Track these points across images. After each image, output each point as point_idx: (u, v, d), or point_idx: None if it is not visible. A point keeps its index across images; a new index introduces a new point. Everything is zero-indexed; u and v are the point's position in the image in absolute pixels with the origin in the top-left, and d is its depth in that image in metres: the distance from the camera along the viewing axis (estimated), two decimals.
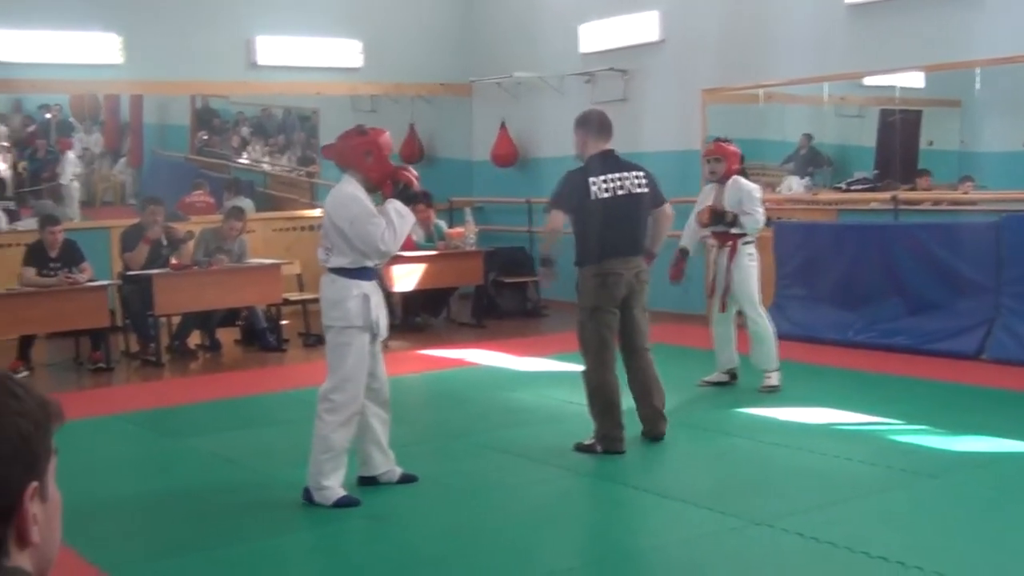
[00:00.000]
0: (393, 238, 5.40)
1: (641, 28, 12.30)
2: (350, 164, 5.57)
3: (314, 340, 10.91)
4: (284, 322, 11.15)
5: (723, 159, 7.98)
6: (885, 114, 11.02)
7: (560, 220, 6.37)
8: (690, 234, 8.15)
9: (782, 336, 9.95)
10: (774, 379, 7.83)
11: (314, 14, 13.40)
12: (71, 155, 12.45)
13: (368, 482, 5.78)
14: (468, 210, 12.49)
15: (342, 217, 5.41)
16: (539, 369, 9.37)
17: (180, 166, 13.19)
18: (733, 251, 7.87)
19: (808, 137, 11.51)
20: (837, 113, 11.52)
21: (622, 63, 12.57)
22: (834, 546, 4.63)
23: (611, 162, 6.45)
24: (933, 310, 9.21)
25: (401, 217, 5.46)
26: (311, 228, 13.53)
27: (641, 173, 6.49)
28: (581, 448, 6.36)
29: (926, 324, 9.18)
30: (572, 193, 6.37)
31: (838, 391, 7.84)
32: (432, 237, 11.95)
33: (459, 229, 12.04)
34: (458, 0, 14.61)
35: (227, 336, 11.05)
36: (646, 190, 6.46)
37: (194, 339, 10.82)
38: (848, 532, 4.81)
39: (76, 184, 12.52)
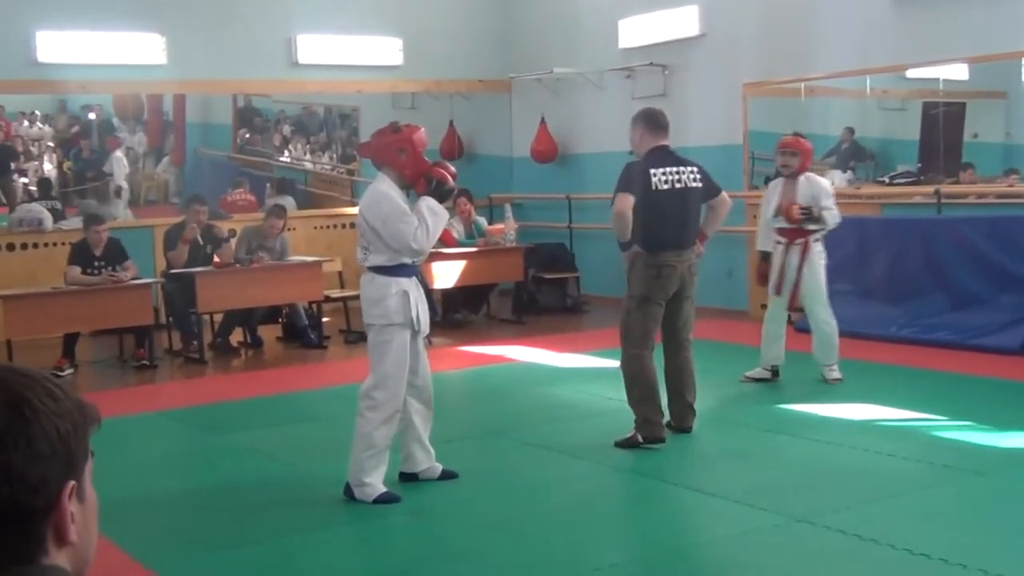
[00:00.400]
0: (425, 236, 5.40)
1: (681, 22, 12.25)
2: (384, 162, 5.61)
3: (355, 337, 10.95)
4: (325, 319, 11.21)
5: (799, 154, 7.94)
6: (928, 107, 10.91)
7: (628, 203, 6.27)
8: (765, 234, 8.12)
9: None
10: (837, 371, 7.89)
11: (354, 12, 13.47)
12: (119, 154, 12.59)
13: (409, 479, 5.81)
14: (508, 206, 12.51)
15: (375, 216, 5.45)
16: (579, 365, 9.36)
17: (223, 165, 13.29)
18: (806, 249, 7.86)
19: (850, 131, 11.41)
20: (880, 106, 11.43)
21: (662, 58, 12.52)
22: (876, 543, 4.60)
23: (667, 156, 6.52)
24: (977, 305, 9.11)
25: (434, 215, 5.46)
26: (352, 226, 13.57)
27: (695, 168, 6.56)
28: (622, 444, 6.36)
29: (970, 319, 9.08)
30: (636, 181, 6.37)
31: (881, 387, 7.77)
32: (472, 234, 11.98)
33: (499, 225, 12.06)
34: None
35: (269, 333, 11.12)
36: (700, 185, 6.52)
37: (236, 336, 10.90)
38: (890, 529, 4.77)
39: (125, 184, 12.65)
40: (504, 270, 11.97)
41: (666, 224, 6.40)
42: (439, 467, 5.87)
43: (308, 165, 13.92)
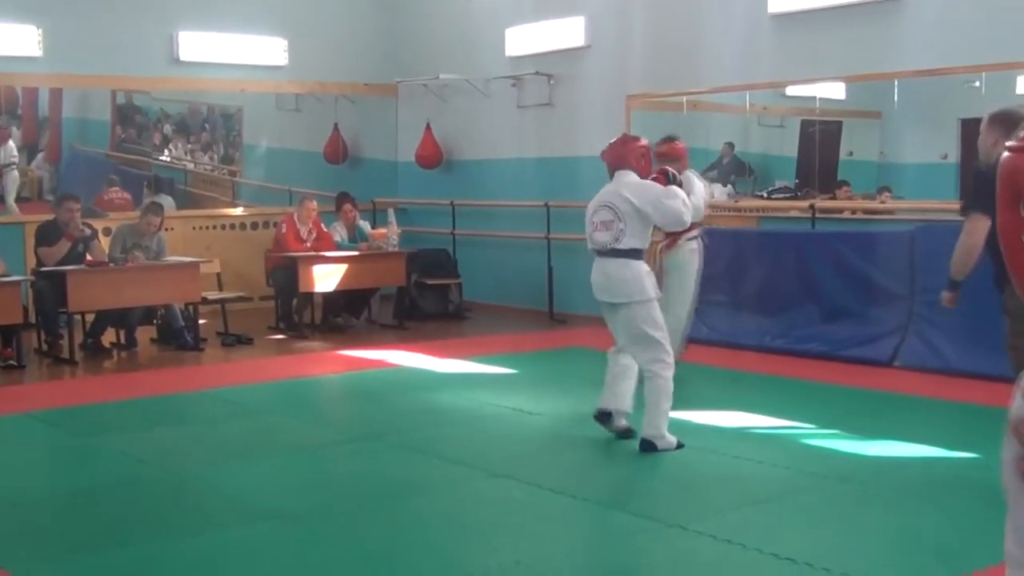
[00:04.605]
0: (689, 211, 6.45)
1: (567, 33, 12.34)
2: (627, 163, 6.53)
3: (232, 340, 10.81)
4: (202, 321, 11.01)
5: None
6: (806, 124, 11.17)
7: (982, 230, 5.27)
8: None
9: (702, 342, 10.07)
10: None
11: (238, 10, 13.26)
12: (11, 144, 12.25)
13: (604, 418, 6.62)
14: (391, 211, 12.44)
15: (645, 200, 6.32)
16: (460, 371, 9.35)
17: (100, 162, 12.98)
18: None
19: (731, 146, 11.63)
20: (760, 123, 11.66)
21: (548, 67, 12.61)
22: (744, 548, 4.67)
23: None
24: (848, 317, 9.34)
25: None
26: (232, 227, 13.39)
27: None
28: None
29: (841, 331, 9.31)
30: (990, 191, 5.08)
31: (753, 396, 7.92)
32: (355, 237, 11.91)
33: (382, 230, 11.99)
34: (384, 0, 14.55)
35: (143, 334, 10.87)
36: None
37: (108, 337, 10.64)
38: (759, 534, 4.85)
39: (15, 174, 12.30)
40: (386, 275, 11.91)
41: None
42: (625, 423, 6.65)
43: (189, 165, 13.68)
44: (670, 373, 6.33)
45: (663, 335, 6.38)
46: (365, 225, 12.20)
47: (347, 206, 12.06)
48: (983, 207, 5.19)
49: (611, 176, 6.60)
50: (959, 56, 9.09)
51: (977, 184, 5.50)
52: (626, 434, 6.58)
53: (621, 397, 6.61)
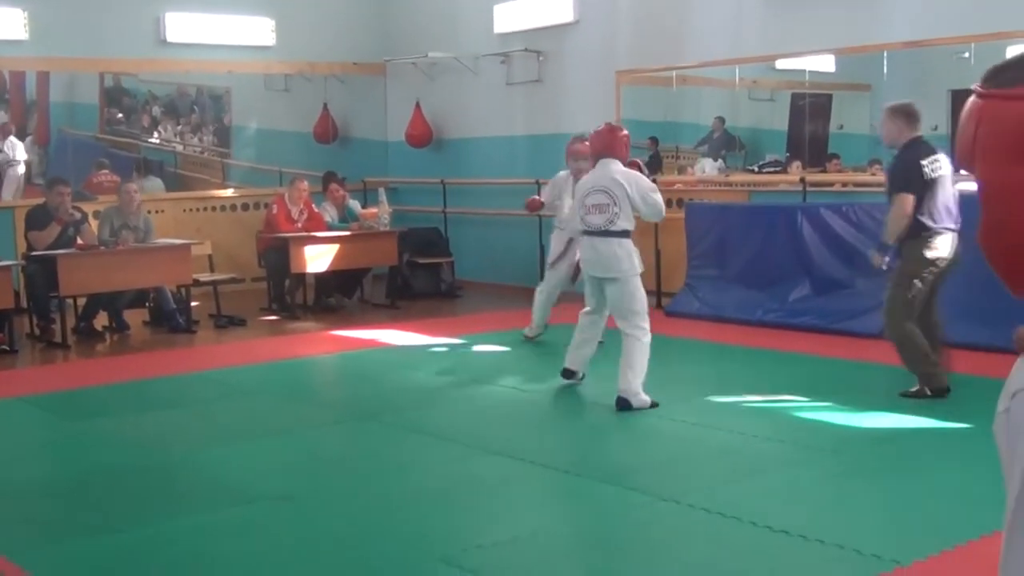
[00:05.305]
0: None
1: (556, 9, 12.30)
2: (614, 151, 7.03)
3: (225, 321, 10.79)
4: (194, 303, 11.00)
5: None
6: (796, 98, 11.16)
7: (910, 203, 6.57)
8: None
9: (692, 316, 10.09)
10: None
11: None
12: (14, 140, 12.25)
13: (570, 375, 7.41)
14: (382, 190, 12.43)
15: (637, 188, 6.85)
16: (453, 349, 9.35)
17: (89, 145, 12.94)
18: None
19: (721, 120, 11.61)
20: (750, 97, 11.64)
21: (537, 44, 12.57)
22: (738, 520, 4.69)
23: (928, 147, 6.74)
24: (839, 290, 9.36)
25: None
26: (223, 208, 13.37)
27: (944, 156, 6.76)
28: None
29: (832, 304, 9.32)
30: (914, 177, 6.60)
31: (745, 369, 7.94)
32: (345, 217, 11.89)
33: (373, 210, 11.98)
34: None
35: (135, 317, 10.86)
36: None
37: (100, 320, 10.62)
38: (752, 507, 4.87)
39: (21, 167, 12.29)
40: (378, 254, 11.89)
41: (939, 207, 6.65)
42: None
43: (178, 147, 13.63)
44: (648, 339, 6.86)
45: (644, 307, 6.94)
46: (355, 204, 12.19)
47: (333, 185, 12.05)
48: (906, 188, 6.60)
49: (594, 162, 7.11)
50: (948, 27, 9.07)
51: (898, 168, 6.74)
52: (578, 381, 7.46)
53: (583, 360, 7.44)
